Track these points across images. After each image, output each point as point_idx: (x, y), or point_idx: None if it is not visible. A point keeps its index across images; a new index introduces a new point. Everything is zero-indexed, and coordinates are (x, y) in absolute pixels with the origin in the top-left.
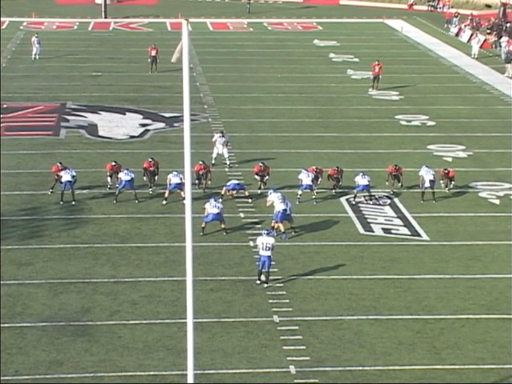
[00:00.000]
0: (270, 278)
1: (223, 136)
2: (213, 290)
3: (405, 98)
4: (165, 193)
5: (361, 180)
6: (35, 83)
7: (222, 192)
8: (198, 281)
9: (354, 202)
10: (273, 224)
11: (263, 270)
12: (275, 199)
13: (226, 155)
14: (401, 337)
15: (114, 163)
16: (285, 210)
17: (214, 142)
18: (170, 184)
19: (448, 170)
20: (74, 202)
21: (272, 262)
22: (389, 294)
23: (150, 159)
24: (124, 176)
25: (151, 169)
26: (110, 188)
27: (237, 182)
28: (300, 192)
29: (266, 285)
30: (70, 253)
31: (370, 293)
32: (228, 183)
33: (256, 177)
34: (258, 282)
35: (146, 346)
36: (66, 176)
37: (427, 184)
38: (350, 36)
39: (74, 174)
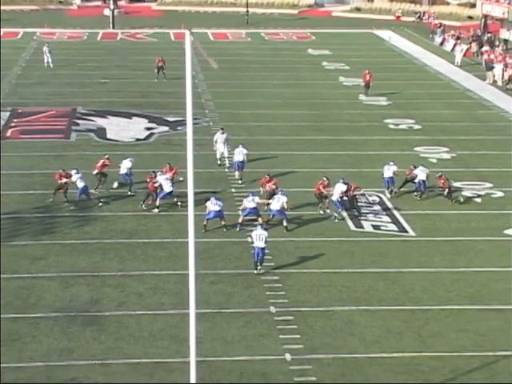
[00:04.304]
0: (268, 272)
1: (224, 133)
2: (213, 282)
3: (393, 103)
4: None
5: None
6: (48, 89)
7: (240, 220)
8: (200, 274)
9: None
10: (267, 219)
11: (258, 261)
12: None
13: (225, 154)
14: (389, 326)
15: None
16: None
17: (214, 142)
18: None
19: (445, 181)
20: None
21: (267, 256)
22: (378, 286)
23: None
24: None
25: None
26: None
27: (252, 197)
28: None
29: (259, 267)
30: (80, 248)
31: (360, 285)
32: (242, 208)
33: (262, 188)
34: (256, 271)
35: (151, 335)
36: (80, 183)
37: (417, 183)
38: (342, 45)
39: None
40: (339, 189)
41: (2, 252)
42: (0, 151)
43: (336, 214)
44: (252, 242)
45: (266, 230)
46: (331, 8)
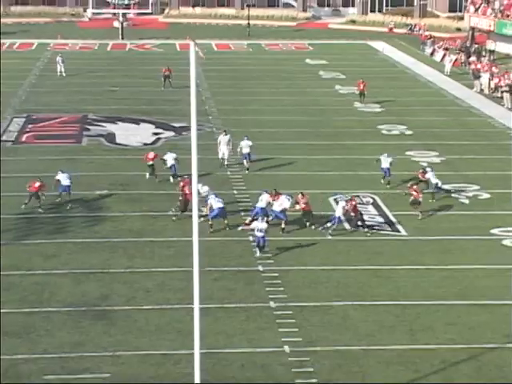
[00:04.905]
0: (268, 268)
1: (226, 134)
2: (217, 279)
3: (386, 110)
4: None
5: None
6: (60, 97)
7: (247, 221)
8: (204, 271)
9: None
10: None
11: (259, 246)
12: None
13: (226, 156)
14: (382, 320)
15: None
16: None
17: (218, 143)
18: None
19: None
20: (69, 205)
21: (267, 254)
22: (372, 282)
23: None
24: None
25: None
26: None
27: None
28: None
29: (260, 253)
30: (91, 246)
31: (355, 281)
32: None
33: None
34: (257, 254)
35: (158, 329)
36: (65, 181)
37: (434, 187)
38: (338, 55)
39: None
40: (341, 205)
41: (17, 250)
42: (0, 154)
43: (333, 227)
44: (253, 241)
45: (267, 222)
46: (328, 20)
